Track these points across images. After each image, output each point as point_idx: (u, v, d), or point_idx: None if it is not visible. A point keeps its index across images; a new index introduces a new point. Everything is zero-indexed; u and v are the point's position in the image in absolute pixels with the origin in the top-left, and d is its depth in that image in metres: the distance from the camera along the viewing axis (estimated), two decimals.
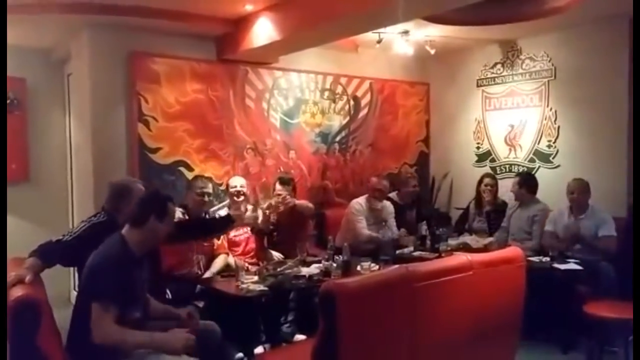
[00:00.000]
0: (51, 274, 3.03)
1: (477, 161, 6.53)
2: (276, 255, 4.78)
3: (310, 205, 5.19)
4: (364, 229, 5.12)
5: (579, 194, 4.69)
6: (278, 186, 4.94)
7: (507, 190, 5.36)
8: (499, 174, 6.14)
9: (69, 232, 3.21)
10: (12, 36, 4.90)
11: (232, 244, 4.64)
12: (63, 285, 5.76)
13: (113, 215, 3.23)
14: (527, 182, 5.18)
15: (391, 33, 5.40)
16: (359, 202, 5.29)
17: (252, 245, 4.79)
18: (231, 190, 4.76)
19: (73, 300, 5.62)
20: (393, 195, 5.67)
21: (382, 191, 5.29)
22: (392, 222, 5.34)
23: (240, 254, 4.62)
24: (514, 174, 6.04)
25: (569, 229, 4.67)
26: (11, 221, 4.82)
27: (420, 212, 5.74)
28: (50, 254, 3.03)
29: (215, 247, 4.46)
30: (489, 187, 5.47)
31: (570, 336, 4.19)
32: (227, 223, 3.86)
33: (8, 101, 5.40)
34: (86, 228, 3.19)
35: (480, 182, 5.57)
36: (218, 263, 4.38)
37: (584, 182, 4.73)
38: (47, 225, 5.38)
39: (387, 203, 5.41)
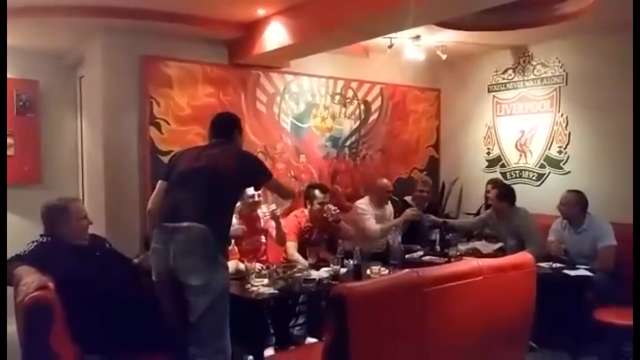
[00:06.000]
0: None
1: (487, 166, 6.52)
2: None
3: (352, 232, 5.00)
4: (374, 225, 5.14)
5: (568, 206, 4.58)
6: (320, 194, 4.83)
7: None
8: (509, 179, 6.14)
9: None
10: (25, 39, 4.99)
11: (245, 253, 4.42)
12: None
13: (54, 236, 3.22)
14: (508, 195, 5.03)
15: (402, 38, 5.40)
16: (364, 202, 5.36)
17: (265, 250, 4.64)
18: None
19: None
20: (408, 198, 5.75)
21: (391, 192, 5.45)
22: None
23: (254, 260, 4.33)
24: (524, 179, 6.04)
25: (570, 244, 4.58)
26: (24, 224, 4.87)
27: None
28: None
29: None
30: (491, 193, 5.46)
31: (580, 342, 4.17)
32: None
33: (20, 103, 5.46)
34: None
35: (486, 188, 5.58)
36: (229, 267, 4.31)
37: (575, 195, 4.60)
38: None
39: (390, 205, 5.50)
